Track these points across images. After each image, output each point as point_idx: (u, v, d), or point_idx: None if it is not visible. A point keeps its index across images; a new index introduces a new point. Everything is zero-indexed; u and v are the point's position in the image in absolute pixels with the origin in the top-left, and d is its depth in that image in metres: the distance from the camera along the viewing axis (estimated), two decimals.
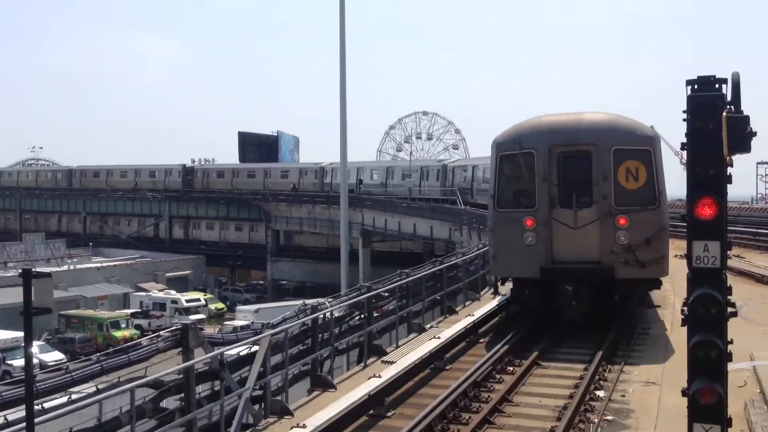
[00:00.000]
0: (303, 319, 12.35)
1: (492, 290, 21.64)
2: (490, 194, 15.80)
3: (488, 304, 18.11)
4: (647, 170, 14.52)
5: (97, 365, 9.83)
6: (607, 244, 14.66)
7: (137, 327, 52.17)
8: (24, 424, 6.35)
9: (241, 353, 11.56)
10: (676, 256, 20.31)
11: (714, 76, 6.24)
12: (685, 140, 6.21)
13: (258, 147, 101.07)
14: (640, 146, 14.60)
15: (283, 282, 72.68)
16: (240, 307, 57.85)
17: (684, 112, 6.23)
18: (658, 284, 15.28)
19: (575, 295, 15.01)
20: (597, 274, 14.75)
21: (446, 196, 58.76)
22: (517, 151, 15.21)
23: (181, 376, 9.57)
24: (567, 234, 14.96)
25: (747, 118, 5.94)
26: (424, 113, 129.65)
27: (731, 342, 5.87)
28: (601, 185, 14.72)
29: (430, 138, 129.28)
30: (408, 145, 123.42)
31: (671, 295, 19.24)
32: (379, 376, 11.39)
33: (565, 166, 15.09)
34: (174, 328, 10.54)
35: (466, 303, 20.29)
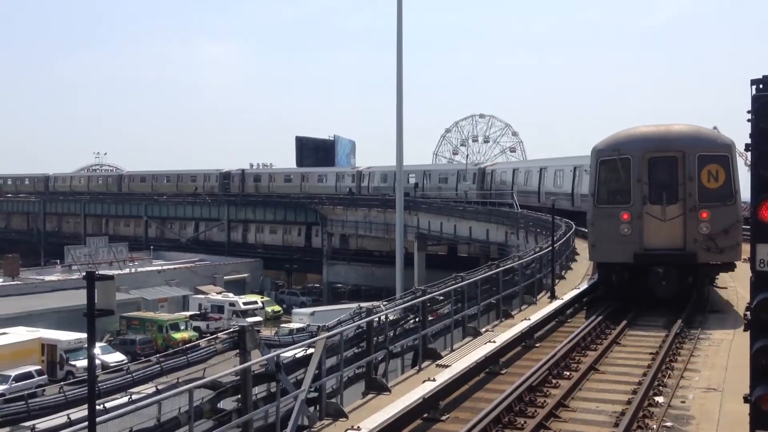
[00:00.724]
0: (358, 322, 12.43)
1: (549, 294, 21.40)
2: (590, 193, 19.11)
3: (545, 308, 17.91)
4: (725, 172, 17.78)
5: (156, 366, 10.06)
6: (691, 233, 17.98)
7: (196, 329, 53.22)
8: (86, 423, 6.55)
9: (297, 355, 11.69)
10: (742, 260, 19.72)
11: None
12: (749, 141, 6.05)
13: (315, 151, 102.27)
14: (720, 152, 17.85)
15: (339, 285, 73.23)
16: (296, 310, 58.46)
17: (748, 112, 6.06)
18: (733, 267, 18.56)
19: (664, 276, 18.08)
20: (682, 259, 18.05)
21: (485, 199, 58.99)
22: (615, 157, 18.55)
23: (238, 377, 9.73)
24: (657, 225, 18.27)
25: None
26: (481, 116, 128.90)
27: None
28: (687, 185, 17.97)
29: (486, 141, 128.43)
30: (464, 148, 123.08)
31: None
32: (434, 380, 11.38)
33: (656, 169, 18.34)
34: (231, 330, 10.74)
35: (522, 307, 20.12)
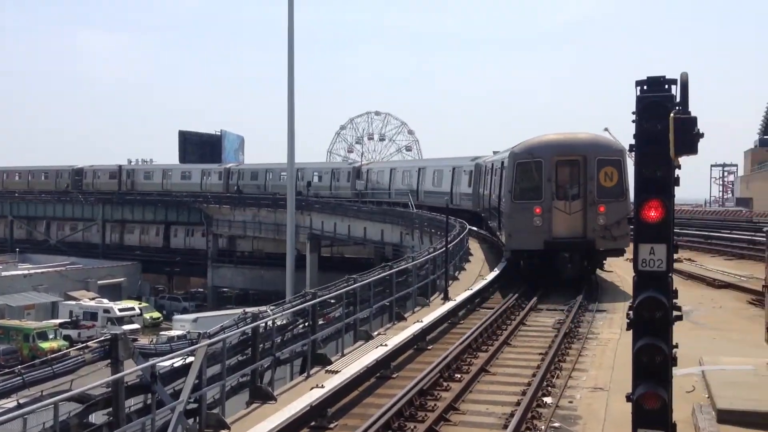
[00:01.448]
0: (243, 328, 12.19)
1: (442, 296, 21.81)
2: (507, 190, 23.87)
3: (438, 309, 18.22)
4: (618, 173, 22.71)
5: (18, 378, 9.49)
6: (591, 224, 22.76)
7: (66, 338, 50.87)
8: None
9: (176, 365, 11.34)
10: (627, 259, 20.82)
11: (663, 77, 6.37)
12: (633, 142, 6.36)
13: (200, 147, 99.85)
14: (614, 156, 22.86)
15: (225, 289, 71.82)
16: (177, 317, 56.85)
17: (633, 113, 6.37)
18: (623, 252, 23.42)
19: (570, 260, 23.43)
20: (584, 245, 23.06)
21: (357, 198, 61.17)
22: (530, 160, 23.33)
23: (110, 389, 9.34)
24: (564, 217, 23.02)
25: (694, 119, 6.04)
26: (377, 113, 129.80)
27: (677, 346, 6.01)
28: (588, 184, 22.77)
29: (382, 139, 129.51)
30: (359, 146, 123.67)
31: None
32: (323, 387, 11.32)
33: (563, 171, 23.15)
34: (103, 338, 10.29)
35: (416, 309, 20.40)
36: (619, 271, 26.21)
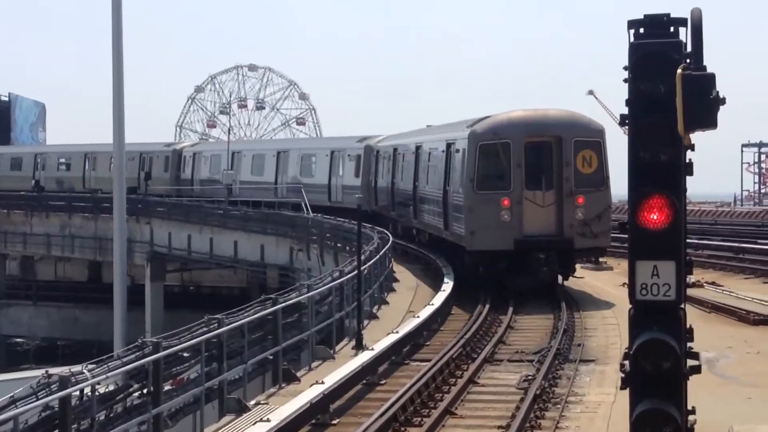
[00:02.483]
0: (44, 400, 11.95)
1: (353, 343, 21.85)
2: (468, 178, 27.74)
3: (347, 364, 18.21)
4: (598, 158, 27.10)
5: None
6: (568, 219, 27.04)
7: None
8: None
9: None
10: (623, 284, 21.31)
11: (667, 15, 6.50)
12: (627, 111, 6.47)
13: None
14: (594, 138, 27.39)
15: (19, 340, 70.09)
16: None
17: (625, 68, 6.49)
18: (604, 251, 30.15)
19: (546, 262, 27.27)
20: (561, 244, 27.47)
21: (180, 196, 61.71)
22: (495, 141, 27.43)
23: None
24: (536, 211, 27.23)
25: (711, 76, 6.20)
26: (252, 68, 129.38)
27: (694, 412, 6.19)
28: (564, 170, 27.03)
29: (260, 106, 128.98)
30: (226, 117, 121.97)
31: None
32: None
33: (534, 154, 27.69)
34: None
35: (314, 364, 20.36)
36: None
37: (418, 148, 36.68)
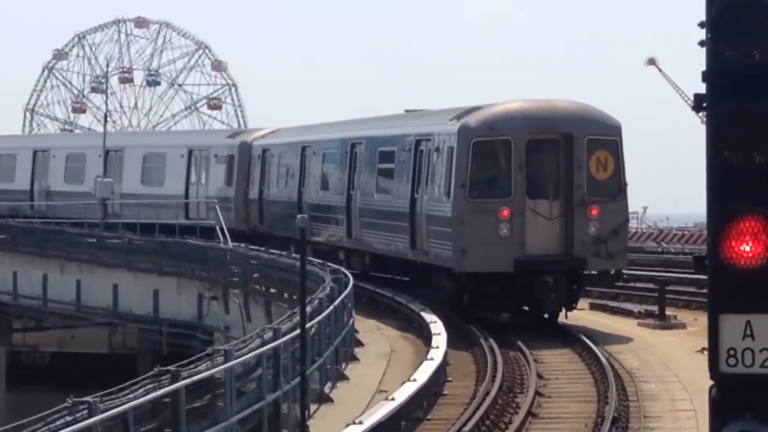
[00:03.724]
0: None
1: None
2: (458, 183, 30.64)
3: None
4: (615, 160, 30.90)
5: None
6: (579, 235, 30.98)
7: None
8: None
9: None
10: (702, 350, 21.44)
11: None
12: (704, 89, 6.51)
13: None
14: (610, 135, 31.25)
15: None
16: None
17: (701, 26, 6.53)
18: (620, 277, 34.76)
19: (554, 286, 30.95)
20: (570, 265, 31.67)
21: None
22: (493, 138, 30.59)
23: None
24: (543, 224, 30.86)
25: None
26: (140, 23, 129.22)
27: None
28: (576, 175, 30.53)
29: (155, 81, 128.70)
30: (101, 96, 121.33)
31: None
32: None
33: (540, 154, 31.51)
34: None
35: None
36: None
37: (354, 145, 38.79)
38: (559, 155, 29.82)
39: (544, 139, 30.18)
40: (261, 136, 49.08)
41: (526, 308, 32.80)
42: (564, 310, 31.99)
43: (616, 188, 30.18)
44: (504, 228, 29.35)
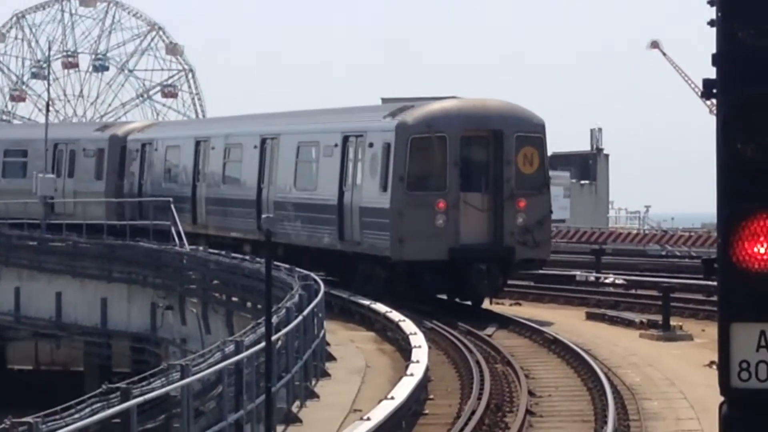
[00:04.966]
0: None
1: None
2: (397, 177, 34.65)
3: None
4: (539, 156, 35.64)
5: None
6: (508, 225, 35.01)
7: None
8: None
9: None
10: (710, 363, 21.43)
11: None
12: (713, 74, 6.50)
13: None
14: (535, 133, 36.04)
15: None
16: None
17: (710, 3, 6.52)
18: (544, 263, 39.56)
19: (487, 274, 35.06)
20: (500, 254, 35.91)
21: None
22: (430, 135, 34.75)
23: None
24: (475, 215, 35.40)
25: None
26: (85, 1, 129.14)
27: None
28: (505, 170, 34.90)
29: (103, 66, 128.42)
30: (43, 82, 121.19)
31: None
32: None
33: (473, 150, 35.73)
34: None
35: None
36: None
37: (265, 140, 43.46)
38: (489, 151, 34.72)
39: (476, 136, 34.90)
40: (138, 129, 51.24)
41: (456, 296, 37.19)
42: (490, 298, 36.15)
43: (540, 182, 34.93)
44: (440, 219, 33.88)
